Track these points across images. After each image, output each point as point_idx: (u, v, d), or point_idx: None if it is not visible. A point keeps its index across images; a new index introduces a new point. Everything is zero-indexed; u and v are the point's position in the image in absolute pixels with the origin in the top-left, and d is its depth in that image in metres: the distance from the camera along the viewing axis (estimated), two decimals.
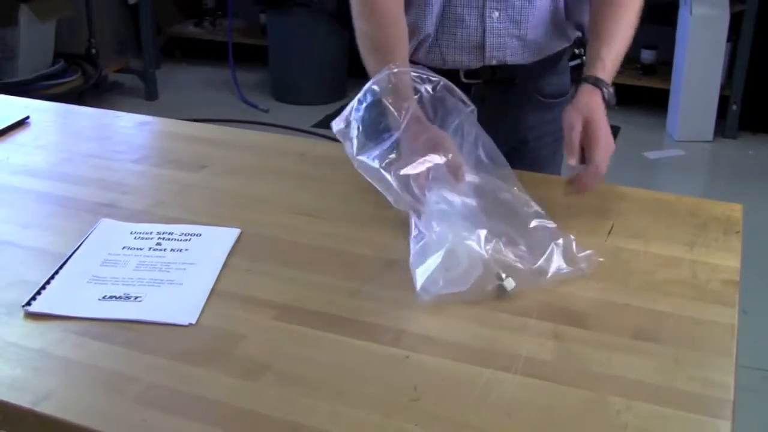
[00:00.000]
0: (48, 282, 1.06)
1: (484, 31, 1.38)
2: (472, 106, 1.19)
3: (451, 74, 1.43)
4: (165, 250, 1.14)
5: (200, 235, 1.18)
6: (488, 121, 1.41)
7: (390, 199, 1.10)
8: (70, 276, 1.08)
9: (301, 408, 0.84)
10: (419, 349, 0.93)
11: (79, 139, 1.61)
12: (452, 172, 1.10)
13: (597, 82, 1.24)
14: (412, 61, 1.45)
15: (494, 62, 1.41)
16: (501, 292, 1.02)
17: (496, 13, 1.37)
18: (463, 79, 1.44)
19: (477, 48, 1.40)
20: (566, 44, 1.47)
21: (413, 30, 1.41)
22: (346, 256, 1.14)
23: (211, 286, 1.06)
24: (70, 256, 1.12)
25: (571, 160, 1.18)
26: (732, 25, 3.81)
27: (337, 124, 1.15)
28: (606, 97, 1.24)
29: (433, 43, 1.41)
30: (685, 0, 3.85)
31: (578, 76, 1.32)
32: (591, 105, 1.22)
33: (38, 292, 1.04)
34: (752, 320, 2.33)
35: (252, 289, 1.06)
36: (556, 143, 1.50)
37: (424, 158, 1.10)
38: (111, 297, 1.03)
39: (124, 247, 1.15)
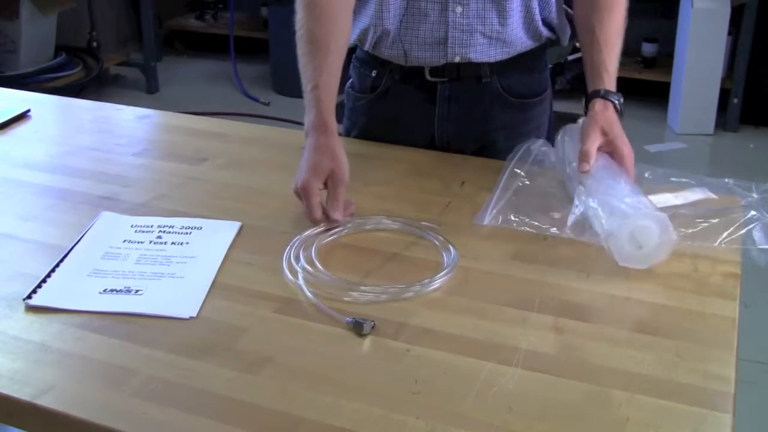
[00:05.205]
0: (48, 275, 1.06)
1: (446, 25, 1.34)
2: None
3: (415, 72, 1.41)
4: (166, 243, 1.14)
5: (201, 228, 1.18)
6: (457, 121, 1.38)
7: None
8: (71, 269, 1.08)
9: (302, 401, 0.84)
10: (420, 342, 0.93)
11: (80, 132, 1.61)
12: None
13: (607, 95, 1.27)
14: (374, 56, 1.44)
15: (457, 59, 1.36)
16: None
17: (460, 8, 1.33)
18: (429, 78, 1.40)
19: (439, 44, 1.36)
20: (538, 44, 1.42)
21: (370, 24, 1.39)
22: (347, 248, 1.14)
23: (211, 280, 1.06)
24: (71, 250, 1.12)
25: (585, 167, 1.19)
26: (733, 18, 3.80)
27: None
28: (618, 108, 1.27)
29: (395, 38, 1.37)
30: None
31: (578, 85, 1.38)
32: (608, 118, 1.24)
33: (39, 286, 1.04)
34: (753, 313, 2.33)
35: (253, 282, 1.05)
36: None
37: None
38: (112, 290, 1.03)
39: (124, 241, 1.15)
